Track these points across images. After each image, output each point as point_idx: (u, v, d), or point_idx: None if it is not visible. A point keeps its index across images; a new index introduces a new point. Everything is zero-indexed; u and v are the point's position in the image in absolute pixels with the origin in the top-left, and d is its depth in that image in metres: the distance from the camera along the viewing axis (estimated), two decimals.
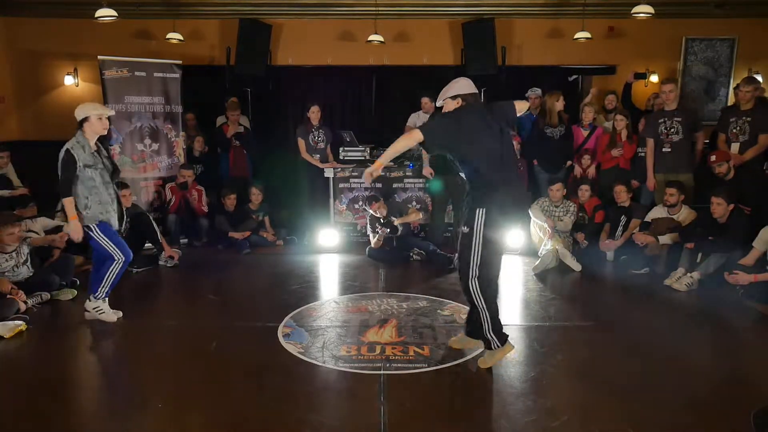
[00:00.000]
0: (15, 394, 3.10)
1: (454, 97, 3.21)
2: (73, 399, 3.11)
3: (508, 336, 3.24)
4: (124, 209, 4.11)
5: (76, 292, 4.54)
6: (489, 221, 3.09)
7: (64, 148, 3.78)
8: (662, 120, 5.60)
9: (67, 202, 3.78)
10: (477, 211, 3.10)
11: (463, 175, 3.23)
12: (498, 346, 3.19)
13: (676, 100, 5.56)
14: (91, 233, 3.86)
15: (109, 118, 3.97)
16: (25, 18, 7.81)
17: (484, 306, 3.17)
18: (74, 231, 3.83)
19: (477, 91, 3.24)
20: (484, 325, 3.20)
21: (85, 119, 3.80)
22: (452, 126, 3.13)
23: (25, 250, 4.57)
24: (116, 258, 3.94)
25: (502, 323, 3.24)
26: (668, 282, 4.85)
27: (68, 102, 7.80)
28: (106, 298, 4.04)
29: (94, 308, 4.00)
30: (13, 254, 4.49)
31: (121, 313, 4.11)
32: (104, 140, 4.11)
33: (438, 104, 3.33)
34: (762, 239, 4.57)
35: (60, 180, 3.77)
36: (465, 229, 3.16)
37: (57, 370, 3.44)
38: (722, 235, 4.82)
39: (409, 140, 3.14)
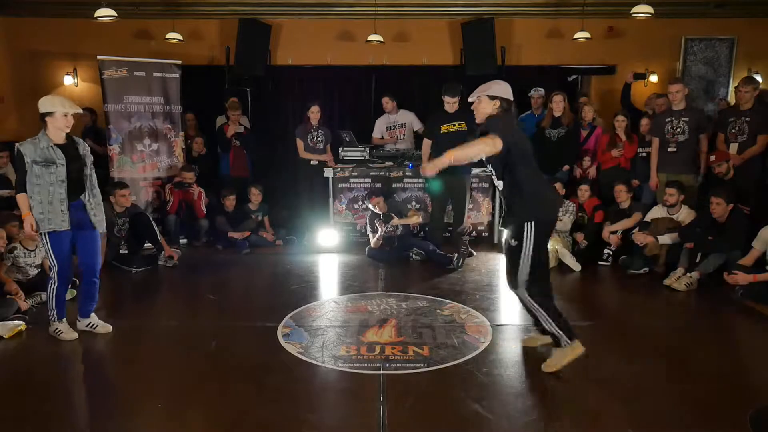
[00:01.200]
0: (14, 394, 3.10)
1: (493, 98, 3.08)
2: (73, 399, 3.11)
3: (577, 335, 3.19)
4: (94, 212, 3.79)
5: (75, 292, 4.54)
6: (537, 233, 3.07)
7: (16, 144, 3.65)
8: (669, 119, 5.60)
9: (21, 198, 3.61)
10: (525, 225, 3.06)
11: (501, 183, 3.12)
12: (568, 343, 3.16)
13: (684, 100, 5.57)
14: (42, 239, 3.67)
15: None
16: (25, 18, 7.81)
17: (540, 309, 3.18)
18: (26, 223, 3.62)
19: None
20: (546, 324, 3.19)
21: (49, 114, 3.58)
22: (516, 129, 3.08)
23: (42, 253, 4.59)
24: (51, 275, 3.74)
25: (569, 322, 3.22)
26: (668, 282, 4.86)
27: None
28: (63, 318, 3.81)
29: (53, 331, 3.79)
30: (31, 253, 4.53)
31: (110, 327, 3.91)
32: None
33: (471, 98, 3.21)
34: (761, 239, 4.57)
35: (17, 177, 3.66)
36: (513, 243, 3.13)
37: (56, 369, 3.45)
38: (721, 235, 4.82)
39: (491, 147, 2.94)
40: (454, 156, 2.93)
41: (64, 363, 3.57)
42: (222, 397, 3.01)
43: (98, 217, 3.80)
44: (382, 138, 6.98)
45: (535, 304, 3.18)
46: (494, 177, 3.23)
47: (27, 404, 2.96)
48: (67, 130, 3.67)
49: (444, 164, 2.96)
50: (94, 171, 3.82)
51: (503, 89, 3.11)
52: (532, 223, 3.05)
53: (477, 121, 3.19)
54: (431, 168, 3.03)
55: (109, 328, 3.90)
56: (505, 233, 3.30)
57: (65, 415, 2.90)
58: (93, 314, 3.91)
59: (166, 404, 2.96)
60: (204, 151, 7.04)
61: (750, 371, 3.38)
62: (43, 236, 3.64)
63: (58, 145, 3.62)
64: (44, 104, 3.61)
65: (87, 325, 3.89)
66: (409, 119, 6.93)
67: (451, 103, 5.60)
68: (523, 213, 3.08)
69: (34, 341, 3.79)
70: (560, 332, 3.17)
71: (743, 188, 5.19)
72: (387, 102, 6.92)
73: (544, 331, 3.37)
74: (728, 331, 4.14)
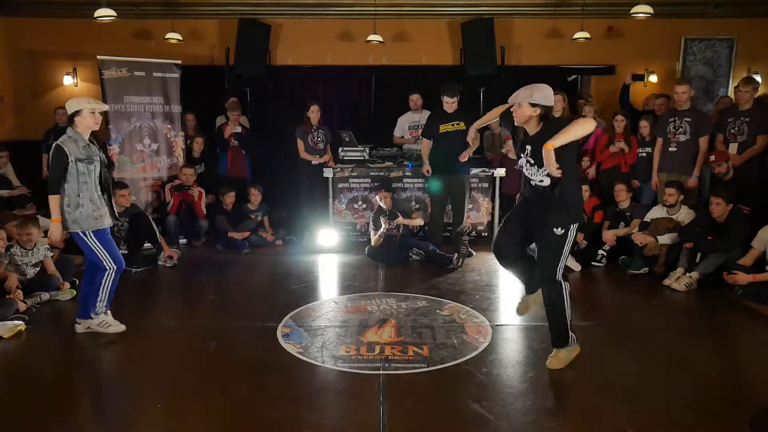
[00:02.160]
0: (13, 394, 3.10)
1: (534, 105, 3.04)
2: (72, 399, 3.10)
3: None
4: (115, 207, 3.97)
5: (75, 292, 4.54)
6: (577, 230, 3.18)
7: (55, 143, 3.66)
8: (672, 119, 5.61)
9: (53, 200, 3.61)
10: (572, 226, 3.11)
11: (547, 180, 3.07)
12: (574, 342, 3.27)
13: (689, 101, 5.57)
14: (85, 239, 3.66)
15: (105, 114, 3.90)
16: (24, 18, 7.79)
17: (568, 302, 3.21)
18: (53, 232, 3.65)
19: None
20: (564, 321, 3.22)
21: (77, 113, 3.65)
22: None
23: (41, 253, 4.59)
24: (107, 267, 3.74)
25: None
26: (667, 282, 4.86)
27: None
28: (108, 311, 3.87)
29: (99, 324, 3.82)
30: (29, 253, 4.53)
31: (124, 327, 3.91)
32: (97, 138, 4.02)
33: (511, 100, 3.15)
34: (760, 239, 4.58)
35: (49, 176, 3.66)
36: (559, 231, 3.09)
37: (56, 370, 3.45)
38: (721, 235, 4.83)
39: (590, 126, 2.92)
40: (555, 143, 2.83)
41: (64, 363, 3.56)
42: (221, 397, 3.01)
43: (114, 211, 3.93)
44: (403, 137, 6.95)
45: (565, 297, 3.19)
46: (532, 173, 3.14)
47: (27, 404, 2.96)
48: (96, 127, 3.75)
49: (551, 150, 2.84)
50: (107, 169, 3.91)
51: (545, 96, 3.07)
52: (576, 226, 3.14)
53: (516, 123, 3.17)
54: (550, 162, 2.87)
55: (121, 328, 3.89)
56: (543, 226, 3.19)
57: (65, 415, 2.90)
58: (105, 314, 3.89)
59: (165, 404, 2.96)
60: (203, 149, 7.00)
61: (750, 371, 3.38)
62: (88, 235, 3.65)
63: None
64: (71, 105, 3.68)
65: (88, 328, 3.89)
66: None
67: (450, 103, 5.60)
68: (574, 213, 3.12)
69: (34, 341, 3.80)
70: (572, 332, 3.26)
71: (743, 188, 5.19)
72: (418, 99, 6.78)
73: (530, 291, 3.35)
74: (728, 331, 4.14)
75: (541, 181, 3.09)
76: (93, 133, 3.80)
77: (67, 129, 3.70)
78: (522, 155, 3.16)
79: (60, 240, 3.72)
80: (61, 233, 3.66)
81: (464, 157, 5.57)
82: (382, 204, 5.83)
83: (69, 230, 3.67)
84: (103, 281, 3.77)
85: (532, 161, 3.11)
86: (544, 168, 2.97)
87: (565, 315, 3.22)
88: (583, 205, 3.24)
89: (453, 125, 5.61)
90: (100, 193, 3.73)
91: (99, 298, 3.79)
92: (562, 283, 3.19)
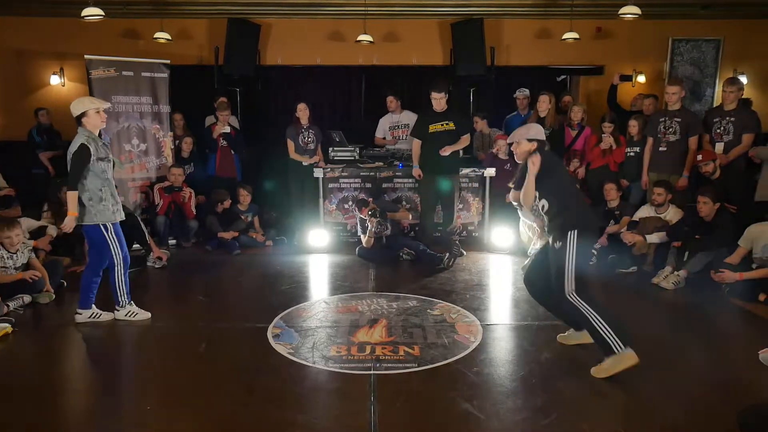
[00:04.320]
0: (1, 398, 3.06)
1: (531, 140, 3.46)
2: (61, 401, 3.07)
3: (631, 341, 3.15)
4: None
5: (54, 296, 4.49)
6: (579, 236, 3.26)
7: (78, 143, 3.79)
8: (663, 119, 5.67)
9: (72, 195, 3.78)
10: (569, 233, 3.25)
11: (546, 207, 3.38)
12: (621, 349, 3.12)
13: (679, 101, 5.62)
14: (104, 232, 3.88)
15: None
16: (11, 17, 7.71)
17: (592, 311, 3.19)
18: (68, 224, 3.84)
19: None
20: (598, 331, 3.17)
21: (83, 114, 3.78)
22: (555, 161, 3.53)
23: (24, 256, 4.53)
24: (115, 260, 3.94)
25: (625, 330, 3.19)
26: (656, 280, 4.90)
27: (54, 102, 7.75)
28: (131, 301, 4.09)
29: (126, 314, 4.03)
30: (13, 256, 4.47)
31: (112, 315, 4.10)
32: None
33: (510, 140, 3.58)
34: (747, 238, 4.62)
35: (70, 173, 3.79)
36: (557, 245, 3.28)
37: (44, 372, 3.40)
38: (709, 233, 4.87)
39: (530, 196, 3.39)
40: (515, 198, 3.51)
41: (52, 366, 3.52)
42: (212, 398, 2.99)
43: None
44: (384, 138, 6.96)
45: (588, 309, 3.20)
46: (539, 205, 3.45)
47: (14, 408, 2.93)
48: (103, 125, 3.94)
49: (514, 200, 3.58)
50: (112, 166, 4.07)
51: (537, 131, 3.53)
52: (576, 231, 3.25)
53: (517, 160, 3.57)
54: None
55: (147, 315, 4.13)
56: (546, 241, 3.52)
57: (53, 418, 2.87)
58: (129, 305, 4.12)
59: (155, 406, 2.94)
60: (192, 149, 6.96)
61: (738, 369, 3.41)
62: (108, 228, 3.88)
63: None
64: (76, 107, 3.81)
65: (91, 316, 4.06)
66: (412, 120, 6.83)
67: (438, 99, 5.57)
68: (569, 220, 3.29)
69: (21, 344, 3.76)
70: (613, 338, 3.14)
71: (730, 187, 5.24)
72: (391, 101, 6.85)
73: (578, 328, 3.51)
74: (715, 329, 4.18)
75: (543, 206, 3.40)
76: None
77: (79, 130, 3.83)
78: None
79: (70, 229, 3.89)
80: (74, 224, 3.84)
81: (445, 152, 5.57)
82: (367, 225, 5.68)
83: (88, 223, 3.86)
84: (116, 277, 3.98)
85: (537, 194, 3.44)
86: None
87: (593, 325, 3.17)
88: (582, 211, 3.41)
89: (442, 125, 5.62)
90: (113, 189, 3.96)
91: (119, 293, 4.02)
92: (575, 297, 3.22)
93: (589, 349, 3.61)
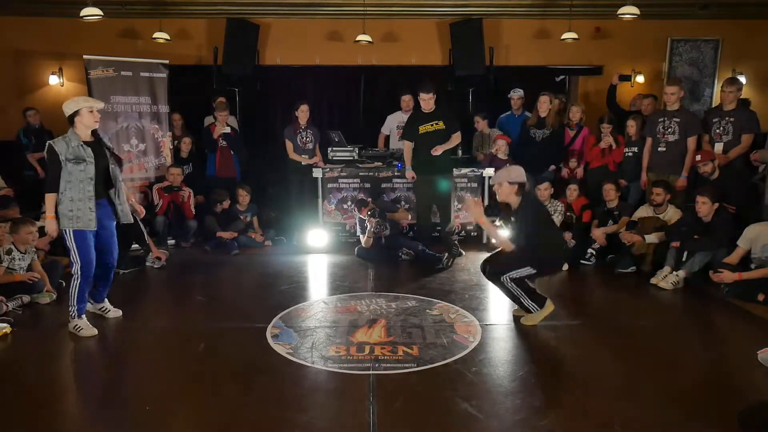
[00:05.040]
0: (0, 398, 3.06)
1: (512, 183, 3.85)
2: (60, 401, 3.07)
3: (546, 298, 3.97)
4: (121, 206, 3.97)
5: (54, 296, 4.49)
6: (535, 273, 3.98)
7: (48, 143, 3.73)
8: (662, 119, 5.68)
9: (49, 198, 3.71)
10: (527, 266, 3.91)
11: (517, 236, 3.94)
12: (538, 309, 3.92)
13: (678, 101, 5.63)
14: (66, 238, 3.75)
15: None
16: (9, 17, 7.71)
17: (518, 289, 3.91)
18: (49, 227, 3.75)
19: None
20: (522, 301, 3.93)
21: (76, 113, 3.71)
22: (535, 203, 4.15)
23: (29, 257, 4.52)
24: (74, 271, 3.78)
25: (537, 294, 3.96)
26: (654, 280, 4.90)
27: (53, 102, 7.72)
28: (83, 315, 3.89)
29: (73, 328, 3.85)
30: (24, 256, 4.47)
31: (120, 312, 4.19)
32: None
33: (493, 181, 4.04)
34: (746, 238, 4.63)
35: (46, 175, 3.77)
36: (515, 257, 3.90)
37: (43, 372, 3.40)
38: (707, 233, 4.87)
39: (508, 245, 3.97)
40: (493, 234, 4.14)
41: (51, 366, 3.52)
42: (211, 398, 2.99)
43: (125, 211, 3.99)
44: (389, 135, 6.93)
45: (516, 287, 3.91)
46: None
47: (13, 408, 2.93)
48: (96, 126, 3.80)
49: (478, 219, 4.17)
50: (117, 166, 3.93)
51: (518, 174, 3.90)
52: (531, 269, 3.92)
53: (499, 200, 4.01)
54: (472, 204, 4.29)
55: (119, 312, 4.16)
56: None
57: (52, 418, 2.87)
58: (106, 299, 4.14)
59: (154, 406, 2.94)
60: (191, 149, 6.95)
61: (736, 369, 3.41)
62: (67, 232, 3.71)
63: (87, 143, 3.75)
64: (69, 106, 3.72)
65: (99, 309, 4.12)
66: None
67: (426, 100, 5.55)
68: (532, 260, 3.89)
69: (20, 344, 3.75)
70: (533, 305, 3.92)
71: (728, 187, 5.25)
72: (410, 100, 6.76)
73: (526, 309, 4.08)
74: (714, 329, 4.19)
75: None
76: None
77: (69, 131, 3.76)
78: (508, 225, 4.04)
79: (55, 233, 3.76)
80: (56, 227, 3.72)
81: (437, 152, 5.56)
82: (366, 225, 5.71)
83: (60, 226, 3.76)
84: (72, 287, 3.82)
85: (511, 228, 4.00)
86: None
87: (521, 296, 3.93)
88: (548, 255, 3.99)
89: (432, 125, 5.61)
90: (89, 194, 3.72)
91: (70, 303, 3.84)
92: (510, 279, 3.90)
93: (588, 349, 3.62)
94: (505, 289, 3.98)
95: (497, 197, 3.99)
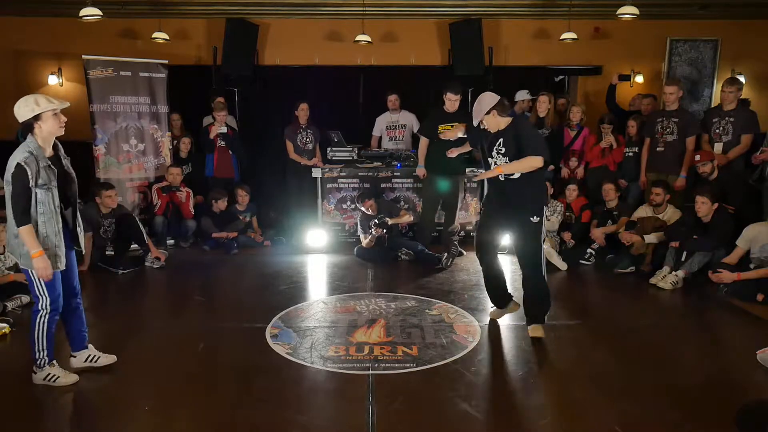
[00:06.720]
0: (0, 397, 3.06)
1: (488, 112, 3.63)
2: (59, 402, 3.07)
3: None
4: (81, 230, 3.19)
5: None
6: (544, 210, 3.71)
7: (15, 161, 2.84)
8: (660, 119, 5.68)
9: (27, 232, 2.84)
10: (543, 208, 3.66)
11: (517, 175, 3.61)
12: (544, 321, 3.74)
13: (677, 101, 5.63)
14: (28, 274, 2.97)
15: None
16: (9, 17, 7.70)
17: (547, 288, 3.72)
18: (42, 270, 2.88)
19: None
20: (544, 305, 3.71)
21: (36, 119, 2.88)
22: (531, 127, 3.94)
23: (10, 258, 4.50)
24: (41, 307, 3.00)
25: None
26: (654, 280, 4.90)
27: None
28: (54, 361, 3.11)
29: (44, 378, 3.07)
30: (2, 257, 4.44)
31: (114, 357, 3.37)
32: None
33: (476, 123, 3.71)
34: (745, 238, 4.63)
35: (12, 204, 2.84)
36: (535, 219, 3.60)
37: None
38: (706, 233, 4.88)
39: (536, 163, 3.52)
40: (503, 170, 3.58)
41: None
42: (210, 398, 2.99)
43: (83, 235, 3.23)
44: (381, 137, 6.93)
45: (546, 285, 3.70)
46: (496, 166, 3.67)
47: (11, 409, 2.93)
48: (62, 132, 2.97)
49: (493, 175, 3.66)
50: (75, 182, 3.15)
51: (487, 100, 3.67)
52: (546, 207, 3.70)
53: (493, 131, 3.71)
54: (483, 176, 3.78)
55: (113, 358, 3.34)
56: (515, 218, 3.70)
57: (51, 418, 2.87)
58: (90, 345, 3.33)
59: (153, 406, 2.94)
60: (190, 149, 6.95)
61: (735, 369, 3.41)
62: (33, 273, 2.94)
63: (50, 159, 2.95)
64: (23, 110, 2.89)
65: (86, 360, 3.28)
66: (410, 121, 6.85)
67: (452, 101, 5.51)
68: (541, 199, 3.68)
69: (19, 344, 3.74)
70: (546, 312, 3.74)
71: (728, 187, 5.25)
72: (393, 100, 6.79)
73: (502, 306, 4.05)
74: (713, 329, 4.19)
75: (512, 174, 3.60)
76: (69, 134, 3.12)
77: (27, 139, 2.91)
78: (494, 149, 3.68)
79: (50, 275, 2.94)
80: (49, 266, 2.91)
81: (452, 153, 5.54)
82: (369, 212, 5.79)
83: (19, 264, 2.99)
84: (37, 325, 3.00)
85: (504, 150, 3.64)
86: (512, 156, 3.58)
87: (545, 299, 3.71)
88: (545, 189, 3.82)
89: (452, 126, 5.59)
90: (59, 227, 2.97)
91: (36, 348, 3.02)
92: (543, 271, 3.65)
93: (588, 349, 3.62)
94: (542, 293, 3.72)
95: (491, 131, 3.73)
